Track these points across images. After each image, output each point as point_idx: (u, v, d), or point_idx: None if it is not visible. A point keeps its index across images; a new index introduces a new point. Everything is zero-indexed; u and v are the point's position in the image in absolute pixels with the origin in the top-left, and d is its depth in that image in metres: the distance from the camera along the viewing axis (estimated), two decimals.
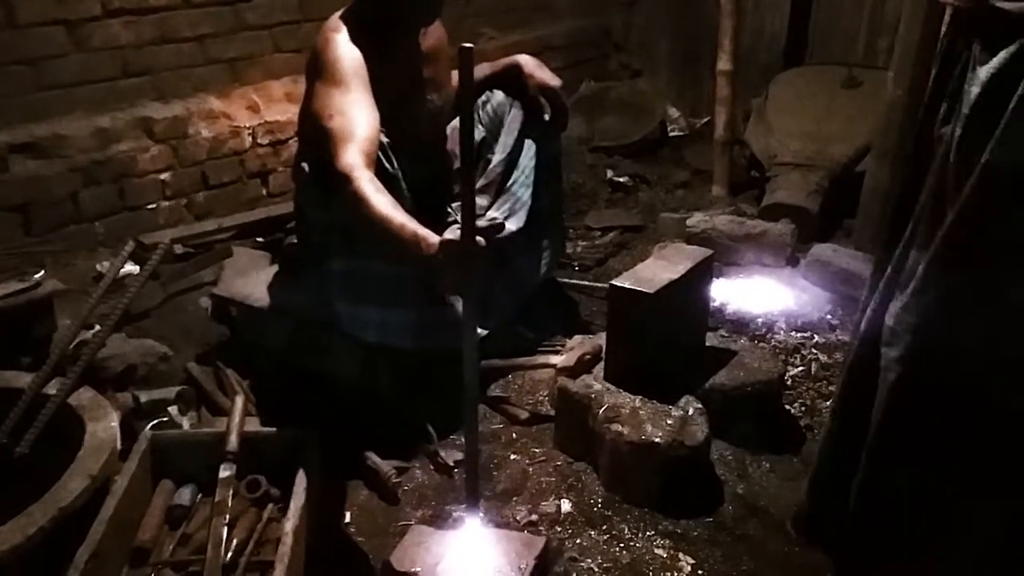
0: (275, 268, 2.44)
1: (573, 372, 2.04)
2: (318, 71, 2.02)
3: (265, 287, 2.32)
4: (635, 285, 1.91)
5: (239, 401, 1.85)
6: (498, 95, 2.45)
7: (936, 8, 2.73)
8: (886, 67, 3.65)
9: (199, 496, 1.76)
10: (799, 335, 2.47)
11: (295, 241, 2.41)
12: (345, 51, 2.01)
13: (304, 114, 2.11)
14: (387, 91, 2.03)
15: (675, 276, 1.97)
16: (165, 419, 1.94)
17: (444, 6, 2.21)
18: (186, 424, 1.95)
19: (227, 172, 3.11)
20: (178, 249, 2.77)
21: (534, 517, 1.79)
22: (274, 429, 1.85)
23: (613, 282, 1.95)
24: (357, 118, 1.91)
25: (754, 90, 3.78)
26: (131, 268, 2.48)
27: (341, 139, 1.84)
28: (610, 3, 4.69)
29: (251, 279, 2.39)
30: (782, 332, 2.49)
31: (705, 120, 4.39)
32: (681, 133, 4.37)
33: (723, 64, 3.43)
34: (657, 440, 1.79)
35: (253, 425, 1.88)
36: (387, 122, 1.99)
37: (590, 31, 4.62)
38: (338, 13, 2.11)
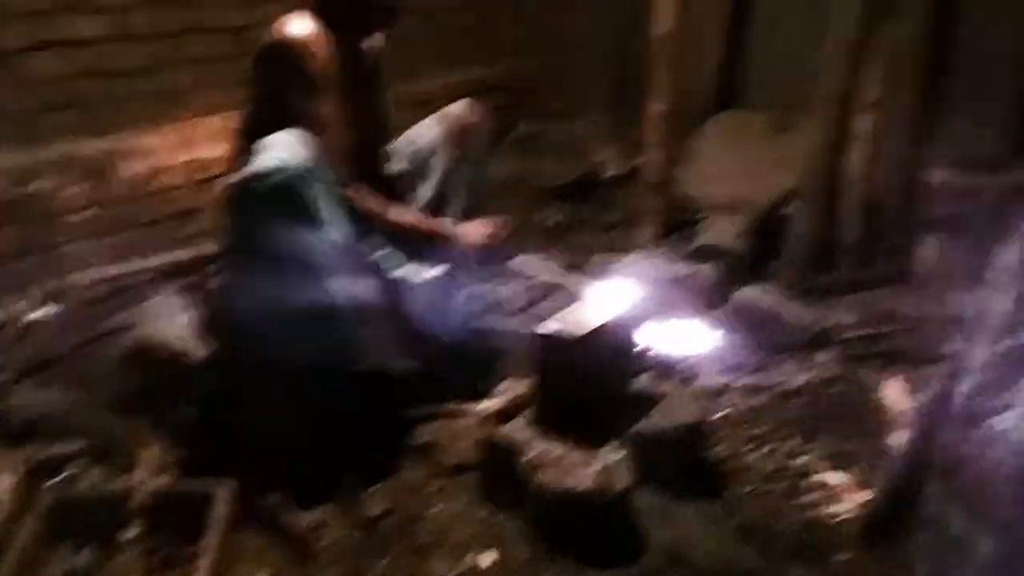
0: (197, 311, 2.38)
1: (499, 419, 2.02)
2: (290, 77, 2.02)
3: (185, 331, 2.26)
4: (563, 329, 1.91)
5: (150, 454, 1.79)
6: (428, 132, 2.46)
7: (858, 59, 2.83)
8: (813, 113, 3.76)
9: (102, 559, 1.67)
10: (724, 377, 2.49)
11: (221, 283, 2.37)
12: (321, 58, 2.03)
13: (258, 118, 2.07)
14: (341, 97, 2.07)
15: (603, 320, 1.97)
16: (69, 475, 1.86)
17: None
18: (92, 481, 1.86)
19: (154, 211, 3.04)
20: (95, 291, 2.69)
21: (455, 573, 1.75)
22: (186, 484, 1.79)
23: (540, 327, 1.94)
24: (334, 134, 2.01)
25: (685, 133, 3.84)
26: (43, 311, 2.39)
27: (332, 156, 1.94)
28: (547, 45, 4.73)
29: (171, 323, 2.33)
30: (708, 374, 2.51)
31: (639, 162, 4.43)
32: (615, 175, 4.40)
33: (657, 106, 3.47)
34: (582, 488, 1.78)
35: (165, 480, 1.82)
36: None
37: (525, 72, 4.65)
38: (300, 13, 2.09)
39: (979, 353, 1.36)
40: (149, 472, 1.74)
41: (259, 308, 1.98)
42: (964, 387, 1.40)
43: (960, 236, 3.00)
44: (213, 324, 2.25)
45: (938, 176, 3.06)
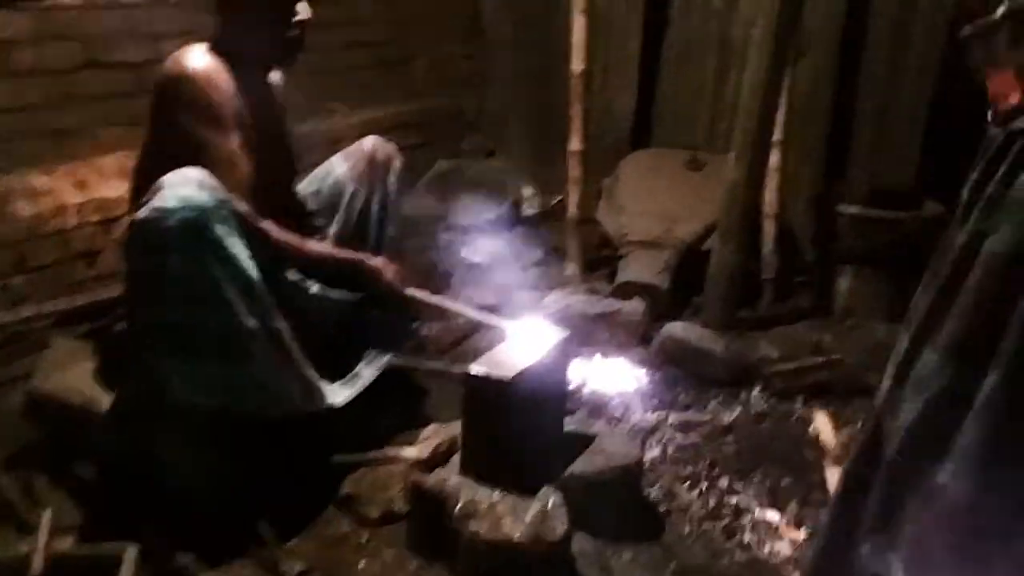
0: (99, 358, 2.22)
1: (427, 465, 1.94)
2: (192, 111, 1.92)
3: (86, 380, 2.10)
4: (491, 371, 1.84)
5: (46, 517, 1.64)
6: (339, 169, 2.41)
7: (771, 98, 2.88)
8: (726, 150, 3.83)
9: None
10: (655, 415, 2.46)
11: (123, 328, 2.22)
12: (224, 92, 1.94)
13: (159, 155, 1.96)
14: (245, 132, 1.99)
15: (533, 360, 1.90)
16: None
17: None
18: None
19: (49, 253, 2.85)
20: None
21: None
22: (90, 546, 1.65)
23: (469, 368, 1.86)
24: (243, 169, 1.96)
25: (604, 170, 3.85)
26: None
27: (240, 191, 1.88)
28: (463, 84, 4.71)
29: (71, 372, 2.16)
30: (638, 412, 2.47)
31: (558, 199, 4.43)
32: (535, 212, 4.39)
33: (574, 145, 3.48)
34: (516, 537, 1.70)
35: (65, 543, 1.66)
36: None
37: (443, 110, 4.62)
38: (198, 46, 2.01)
39: (906, 404, 1.34)
40: (49, 535, 1.59)
41: (166, 353, 1.85)
42: (892, 439, 1.38)
43: (876, 268, 3.07)
44: (116, 372, 2.09)
45: (852, 210, 3.12)
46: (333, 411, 2.05)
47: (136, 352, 1.93)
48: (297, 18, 2.07)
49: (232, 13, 2.06)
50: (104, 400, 2.02)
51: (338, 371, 2.18)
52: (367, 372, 2.23)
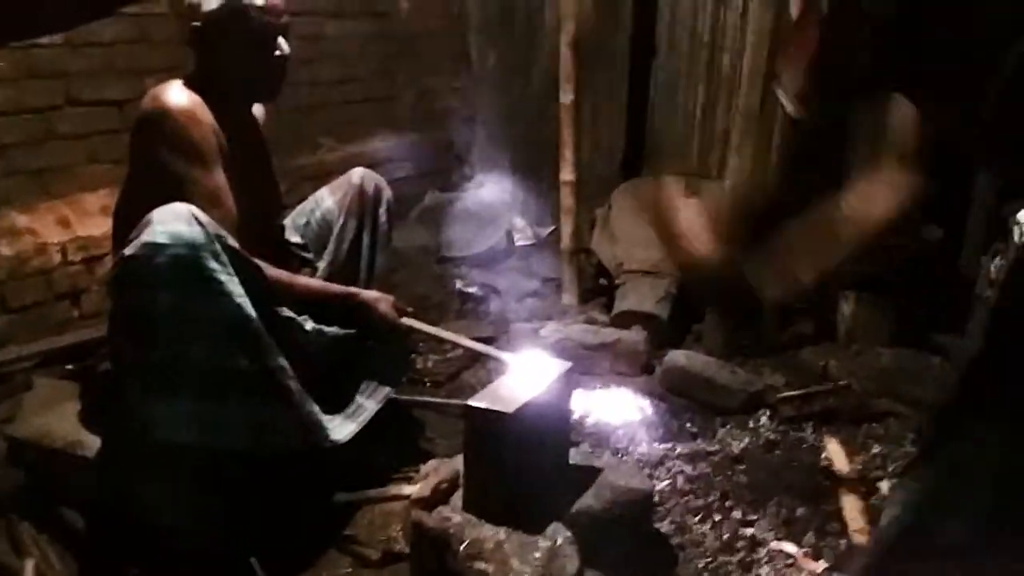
0: (83, 399, 2.13)
1: (428, 503, 1.84)
2: (174, 147, 1.87)
3: (70, 423, 2.01)
4: (493, 404, 1.76)
5: (30, 566, 1.54)
6: (327, 202, 2.36)
7: (765, 127, 2.85)
8: (719, 177, 3.79)
9: None
10: (661, 446, 2.38)
11: (110, 367, 2.13)
12: (206, 127, 1.90)
13: (141, 193, 1.89)
14: (229, 167, 1.94)
15: (535, 392, 1.82)
16: None
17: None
18: None
19: (30, 293, 2.77)
20: None
21: None
22: None
23: (469, 402, 1.78)
24: (229, 204, 1.92)
25: (596, 200, 3.80)
26: None
27: (227, 227, 1.81)
28: (451, 116, 4.69)
29: (53, 414, 2.07)
30: (644, 443, 2.39)
31: (551, 229, 4.39)
32: (528, 243, 4.34)
33: (566, 175, 3.44)
34: None
35: None
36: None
37: (432, 143, 4.58)
38: (176, 82, 1.95)
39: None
40: None
41: (152, 392, 1.77)
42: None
43: (878, 293, 3.02)
44: (101, 413, 2.01)
45: None
46: (333, 448, 1.98)
47: (122, 392, 1.84)
48: (277, 53, 2.03)
49: (210, 49, 2.01)
50: (88, 442, 1.93)
51: (337, 406, 2.11)
52: (369, 404, 2.16)
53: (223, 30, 1.95)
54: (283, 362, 1.87)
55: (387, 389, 2.24)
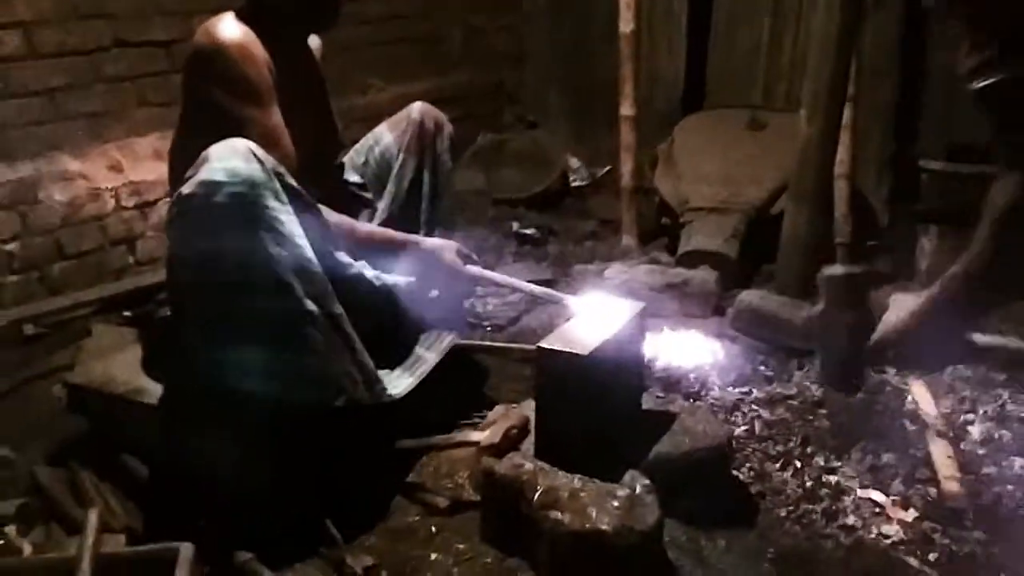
0: (143, 346, 2.09)
1: (498, 450, 1.78)
2: (227, 86, 1.79)
3: (130, 369, 1.97)
4: (567, 346, 1.67)
5: (94, 515, 1.50)
6: (386, 139, 2.27)
7: (844, 48, 2.67)
8: (787, 110, 3.62)
9: None
10: (736, 390, 2.27)
11: (169, 313, 2.08)
12: (261, 63, 1.81)
13: (195, 134, 1.81)
14: (285, 103, 1.86)
15: (608, 334, 1.73)
16: (4, 541, 1.58)
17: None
18: (28, 547, 1.58)
19: (86, 239, 2.75)
20: (28, 330, 2.39)
21: None
22: (139, 548, 1.51)
23: (541, 344, 1.70)
24: (287, 143, 1.84)
25: (654, 137, 3.66)
26: None
27: (285, 168, 1.72)
28: (501, 55, 4.54)
29: (113, 361, 2.03)
30: (717, 388, 2.29)
31: (606, 169, 4.27)
32: (583, 183, 4.22)
33: (626, 109, 3.29)
34: (604, 527, 1.53)
35: (114, 543, 1.53)
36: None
37: (482, 83, 4.45)
38: (229, 15, 1.86)
39: None
40: (97, 534, 1.45)
41: (215, 341, 1.71)
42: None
43: (961, 227, 2.85)
44: (162, 361, 1.96)
45: (935, 166, 2.90)
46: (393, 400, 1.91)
47: (183, 341, 1.79)
48: None
49: None
50: (150, 389, 1.89)
51: (394, 357, 2.03)
52: (428, 356, 2.08)
53: None
54: (340, 308, 1.79)
55: (448, 339, 2.16)
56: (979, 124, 3.14)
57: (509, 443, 1.80)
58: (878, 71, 3.25)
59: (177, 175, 1.79)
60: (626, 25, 3.20)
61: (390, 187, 2.23)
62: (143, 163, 2.90)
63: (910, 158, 3.07)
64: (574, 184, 4.18)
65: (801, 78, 3.47)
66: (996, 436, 2.07)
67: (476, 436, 1.89)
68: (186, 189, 1.65)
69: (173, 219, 1.72)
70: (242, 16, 1.87)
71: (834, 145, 2.77)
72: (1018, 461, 1.98)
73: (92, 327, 2.33)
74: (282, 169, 1.70)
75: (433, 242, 2.09)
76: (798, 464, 1.97)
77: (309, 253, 1.72)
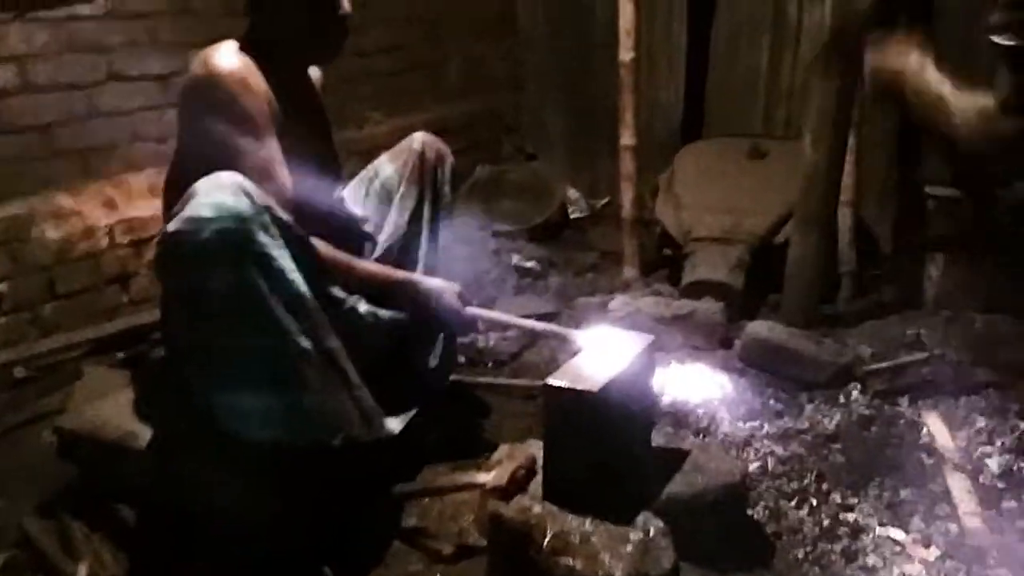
0: (136, 388, 2.02)
1: (505, 492, 1.71)
2: (224, 116, 1.74)
3: (123, 413, 1.91)
4: (575, 383, 1.61)
5: (83, 569, 1.44)
6: (387, 170, 2.22)
7: (849, 72, 2.64)
8: (786, 137, 3.59)
9: None
10: (747, 425, 2.21)
11: (162, 354, 2.03)
12: (260, 94, 1.77)
13: (191, 166, 1.74)
14: (285, 135, 1.82)
15: (617, 370, 1.68)
16: None
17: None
18: None
19: (80, 278, 2.69)
20: (18, 373, 2.34)
21: None
22: None
23: (549, 381, 1.64)
24: (283, 177, 1.78)
25: (654, 166, 3.62)
26: None
27: (281, 202, 1.69)
28: (499, 86, 4.53)
29: (106, 404, 1.97)
30: (727, 423, 2.23)
31: (605, 200, 4.23)
32: (582, 214, 4.19)
33: (626, 139, 3.26)
34: (618, 574, 1.47)
35: None
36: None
37: (480, 114, 4.43)
38: (228, 43, 1.82)
39: None
40: None
41: (210, 381, 1.65)
42: None
43: (969, 254, 2.81)
44: (156, 403, 1.90)
45: (942, 192, 2.86)
46: (391, 437, 1.85)
47: (176, 381, 1.73)
48: (340, 11, 1.89)
49: (266, 7, 1.88)
50: (143, 434, 1.82)
51: (389, 394, 1.97)
52: (424, 395, 2.03)
53: None
54: (336, 343, 1.74)
55: (445, 375, 2.11)
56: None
57: (516, 485, 1.73)
58: None
59: (171, 210, 1.74)
60: (626, 53, 3.17)
61: (390, 219, 2.18)
62: (138, 199, 2.85)
63: (914, 184, 3.04)
64: (573, 216, 4.15)
65: (800, 104, 3.46)
66: (1015, 468, 2.02)
67: (481, 478, 1.82)
68: (172, 226, 1.60)
69: (160, 256, 1.67)
70: (242, 46, 1.83)
71: (839, 171, 2.75)
72: None
73: (84, 369, 2.28)
74: (272, 203, 1.65)
75: (433, 282, 2.04)
76: (814, 502, 1.91)
77: (302, 288, 1.67)
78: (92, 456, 1.90)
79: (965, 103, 2.23)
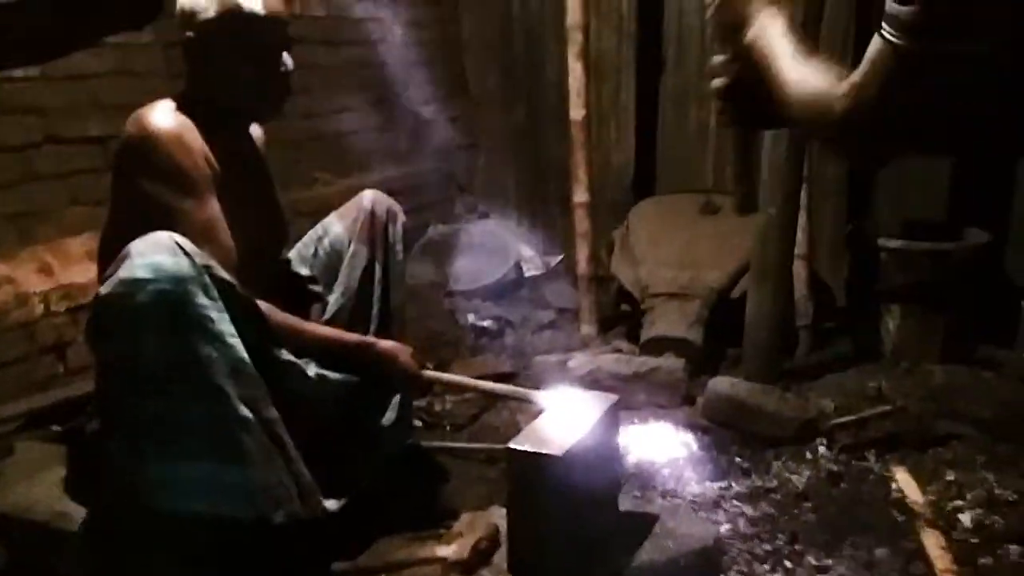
0: (70, 464, 1.89)
1: (468, 566, 1.62)
2: (160, 177, 1.67)
3: (55, 492, 1.78)
4: (538, 447, 1.54)
5: None
6: (336, 228, 2.15)
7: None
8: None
9: None
10: (715, 485, 2.15)
11: (96, 427, 1.90)
12: (197, 153, 1.70)
13: (125, 229, 1.63)
14: (225, 195, 1.75)
15: (582, 432, 1.61)
16: None
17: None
18: None
19: (12, 348, 2.54)
20: None
21: None
22: None
23: (511, 445, 1.57)
24: (224, 238, 1.72)
25: (605, 223, 3.60)
26: None
27: (223, 263, 1.61)
28: (451, 146, 4.50)
29: (38, 483, 1.85)
30: (694, 483, 2.16)
31: (559, 258, 4.20)
32: (537, 272, 4.14)
33: (579, 196, 3.24)
34: None
35: None
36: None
37: (432, 174, 4.39)
38: (164, 102, 1.75)
39: None
40: None
41: (145, 453, 1.54)
42: None
43: (924, 305, 2.81)
44: (90, 480, 1.77)
45: (894, 244, 2.87)
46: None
47: (111, 455, 1.61)
48: (281, 69, 1.83)
49: (206, 63, 1.81)
50: (75, 514, 1.70)
51: (337, 467, 1.87)
52: (376, 464, 1.94)
53: (221, 41, 1.76)
54: (274, 413, 1.64)
55: (398, 441, 2.02)
56: (934, 199, 3.17)
57: (479, 557, 1.65)
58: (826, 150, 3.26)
59: (106, 273, 1.65)
60: (577, 112, 3.18)
61: (341, 278, 2.10)
62: (75, 265, 2.72)
63: (866, 237, 3.05)
64: (528, 274, 4.10)
65: None
66: (987, 522, 1.98)
67: (441, 551, 1.72)
68: (104, 289, 1.51)
69: (91, 321, 1.57)
70: (179, 104, 1.76)
71: (793, 224, 2.74)
72: (1014, 548, 1.88)
73: (15, 445, 2.13)
74: (212, 263, 1.56)
75: (387, 345, 1.96)
76: (788, 564, 1.84)
77: (242, 352, 1.57)
78: (23, 539, 1.77)
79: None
